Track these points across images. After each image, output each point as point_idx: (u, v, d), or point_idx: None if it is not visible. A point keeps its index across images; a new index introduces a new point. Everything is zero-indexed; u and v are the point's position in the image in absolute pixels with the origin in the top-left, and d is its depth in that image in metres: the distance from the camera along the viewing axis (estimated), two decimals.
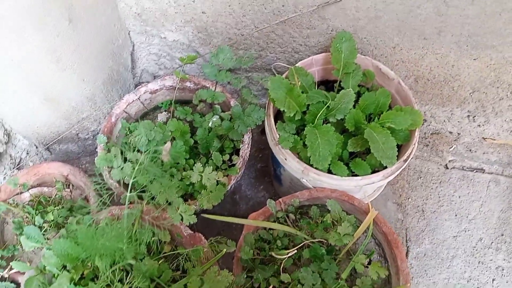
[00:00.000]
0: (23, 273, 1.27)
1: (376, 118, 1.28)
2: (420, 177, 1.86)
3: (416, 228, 1.76)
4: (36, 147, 1.66)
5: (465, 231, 1.76)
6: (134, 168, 1.19)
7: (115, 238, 0.92)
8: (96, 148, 1.76)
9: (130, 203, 1.16)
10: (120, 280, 1.02)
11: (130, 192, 1.25)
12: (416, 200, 1.82)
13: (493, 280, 1.67)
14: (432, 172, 1.87)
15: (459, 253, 1.72)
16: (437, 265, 1.71)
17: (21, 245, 1.33)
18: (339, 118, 1.24)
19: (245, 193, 1.72)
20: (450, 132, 1.77)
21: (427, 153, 1.88)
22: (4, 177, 1.57)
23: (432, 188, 1.84)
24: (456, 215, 1.78)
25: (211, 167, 1.19)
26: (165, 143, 1.18)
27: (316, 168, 1.21)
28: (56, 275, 1.09)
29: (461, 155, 1.84)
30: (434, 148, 1.84)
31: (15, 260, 1.10)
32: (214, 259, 1.09)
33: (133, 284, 0.98)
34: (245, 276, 1.16)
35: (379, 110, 1.30)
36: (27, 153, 1.66)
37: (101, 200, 1.08)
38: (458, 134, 1.76)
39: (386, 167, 1.24)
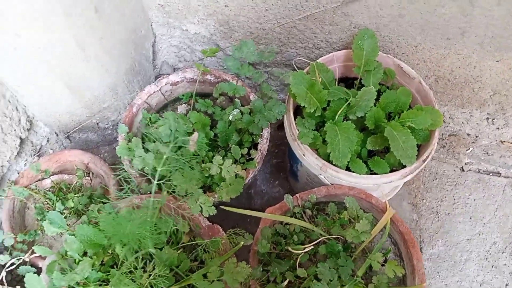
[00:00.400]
0: (44, 258, 1.30)
1: (396, 117, 1.28)
2: (436, 179, 1.86)
3: (430, 229, 1.76)
4: (57, 135, 1.69)
5: (479, 235, 1.75)
6: (156, 158, 1.21)
7: (140, 226, 0.94)
8: (115, 137, 1.80)
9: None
10: (141, 268, 1.04)
11: (150, 182, 1.27)
12: (431, 202, 1.81)
13: (506, 285, 1.66)
14: (448, 174, 1.86)
15: (472, 256, 1.71)
16: (450, 267, 1.71)
17: (41, 230, 1.36)
18: (359, 116, 1.24)
19: (260, 188, 1.73)
20: (468, 134, 1.76)
21: (444, 154, 1.87)
22: (25, 163, 1.60)
23: (447, 190, 1.83)
24: (470, 218, 1.78)
25: (231, 160, 1.20)
26: (190, 134, 1.19)
27: (335, 165, 1.21)
28: (77, 261, 1.11)
29: (477, 157, 1.83)
30: (451, 149, 1.83)
31: (36, 245, 1.11)
32: (232, 250, 1.10)
33: (153, 272, 0.99)
34: (261, 269, 1.17)
35: (399, 109, 1.30)
36: (48, 141, 1.69)
37: (128, 188, 1.10)
38: (476, 136, 1.75)
39: (404, 167, 1.24)
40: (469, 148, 1.81)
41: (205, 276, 1.01)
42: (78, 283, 1.05)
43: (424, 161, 1.25)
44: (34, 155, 1.65)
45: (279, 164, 1.76)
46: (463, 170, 1.85)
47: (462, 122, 1.69)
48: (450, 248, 1.73)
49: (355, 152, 1.26)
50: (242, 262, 1.04)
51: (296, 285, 1.17)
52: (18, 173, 1.54)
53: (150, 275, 1.01)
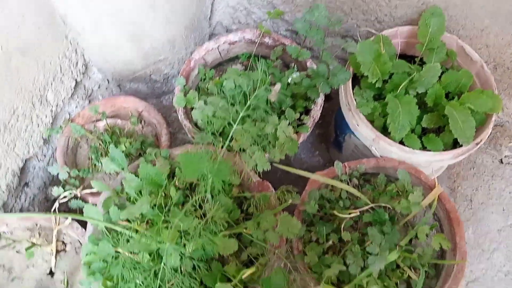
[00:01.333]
0: (94, 195, 1.35)
1: (456, 97, 1.29)
2: (474, 168, 1.86)
3: (462, 216, 1.77)
4: (108, 82, 1.73)
5: (511, 227, 1.76)
6: (213, 111, 1.24)
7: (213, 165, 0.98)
8: (164, 91, 1.83)
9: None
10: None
11: (201, 131, 1.30)
12: (466, 190, 1.82)
13: None
14: (486, 164, 1.86)
15: (501, 247, 1.73)
16: (477, 255, 1.72)
17: (93, 168, 1.41)
18: (420, 92, 1.25)
19: (300, 157, 1.75)
20: None
21: (485, 144, 1.86)
22: (76, 106, 1.64)
23: (483, 180, 1.84)
24: (503, 210, 1.78)
25: (287, 120, 1.22)
26: (272, 85, 1.22)
27: (389, 137, 1.23)
28: (131, 199, 1.16)
29: None
30: (494, 140, 1.83)
31: (85, 183, 1.15)
32: (282, 206, 1.13)
33: (211, 216, 1.03)
34: (305, 228, 1.21)
35: (459, 91, 1.30)
36: (99, 87, 1.72)
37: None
38: None
39: (455, 148, 1.25)
40: None
41: (258, 224, 1.04)
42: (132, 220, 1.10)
43: (477, 144, 1.26)
44: (85, 98, 1.69)
45: (322, 135, 1.78)
46: (502, 163, 1.85)
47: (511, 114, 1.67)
48: (479, 236, 1.74)
49: (410, 128, 1.27)
50: (294, 217, 1.07)
51: (337, 248, 1.20)
52: (69, 114, 1.59)
53: (206, 219, 1.05)
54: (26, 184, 1.58)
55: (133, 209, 1.06)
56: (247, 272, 0.93)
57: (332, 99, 1.80)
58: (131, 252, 1.04)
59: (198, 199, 1.03)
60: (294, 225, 0.98)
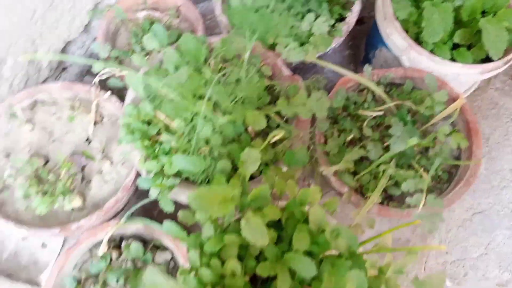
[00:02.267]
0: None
1: (491, 15, 1.30)
2: (494, 109, 1.89)
3: None
4: None
5: None
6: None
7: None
8: None
9: None
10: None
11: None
12: (484, 128, 1.85)
13: None
14: (507, 107, 1.88)
15: (511, 185, 1.78)
16: (486, 189, 1.78)
17: (132, 53, 1.47)
18: (457, 4, 1.27)
19: (327, 75, 1.79)
20: None
21: (509, 86, 1.88)
22: None
23: (502, 122, 1.87)
24: None
25: (324, 17, 1.26)
26: None
27: (421, 46, 1.26)
28: (170, 73, 1.22)
29: None
30: None
31: (133, 55, 1.20)
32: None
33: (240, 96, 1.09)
34: (328, 124, 1.27)
35: (496, 9, 1.31)
36: None
37: None
38: None
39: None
40: None
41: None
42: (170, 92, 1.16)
43: (505, 63, 1.29)
44: None
45: (350, 56, 1.81)
46: None
47: None
48: (491, 173, 1.80)
49: (442, 41, 1.30)
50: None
51: (357, 144, 1.27)
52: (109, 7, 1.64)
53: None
54: (64, 69, 1.66)
55: (172, 78, 1.13)
56: (277, 136, 0.99)
57: (364, 23, 1.82)
58: (168, 116, 1.12)
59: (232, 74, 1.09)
60: (324, 103, 1.04)
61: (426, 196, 1.01)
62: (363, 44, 1.71)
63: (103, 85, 1.46)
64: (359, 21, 1.83)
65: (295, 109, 1.06)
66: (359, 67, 1.74)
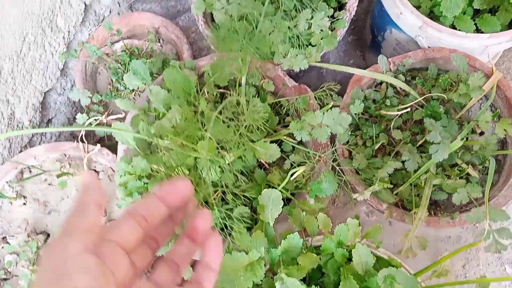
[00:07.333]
0: (120, 120, 1.28)
1: None
2: None
3: None
4: (119, 5, 1.60)
5: None
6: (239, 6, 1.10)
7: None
8: (179, 10, 1.69)
9: None
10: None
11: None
12: None
13: None
14: None
15: None
16: None
17: (116, 93, 1.32)
18: None
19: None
20: None
21: None
22: (89, 34, 1.53)
23: None
24: None
25: (322, 12, 1.08)
26: None
27: (439, 22, 1.08)
28: (160, 115, 1.08)
29: None
30: None
31: (117, 100, 1.06)
32: (324, 109, 1.03)
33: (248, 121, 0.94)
34: (349, 133, 1.10)
35: None
36: (110, 12, 1.60)
37: None
38: None
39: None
40: None
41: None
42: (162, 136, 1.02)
43: None
44: (97, 25, 1.57)
45: (355, 42, 1.63)
46: None
47: None
48: None
49: (462, 12, 1.12)
50: None
51: (386, 151, 1.11)
52: (83, 43, 1.49)
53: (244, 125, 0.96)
54: (50, 120, 1.52)
55: (163, 122, 0.98)
56: (297, 172, 0.84)
57: (362, 1, 1.63)
58: (167, 168, 0.97)
59: (231, 105, 0.94)
60: (344, 119, 0.88)
61: (487, 208, 0.85)
62: (367, 25, 1.52)
63: (93, 136, 1.33)
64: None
65: (310, 132, 0.90)
66: (367, 53, 1.56)
